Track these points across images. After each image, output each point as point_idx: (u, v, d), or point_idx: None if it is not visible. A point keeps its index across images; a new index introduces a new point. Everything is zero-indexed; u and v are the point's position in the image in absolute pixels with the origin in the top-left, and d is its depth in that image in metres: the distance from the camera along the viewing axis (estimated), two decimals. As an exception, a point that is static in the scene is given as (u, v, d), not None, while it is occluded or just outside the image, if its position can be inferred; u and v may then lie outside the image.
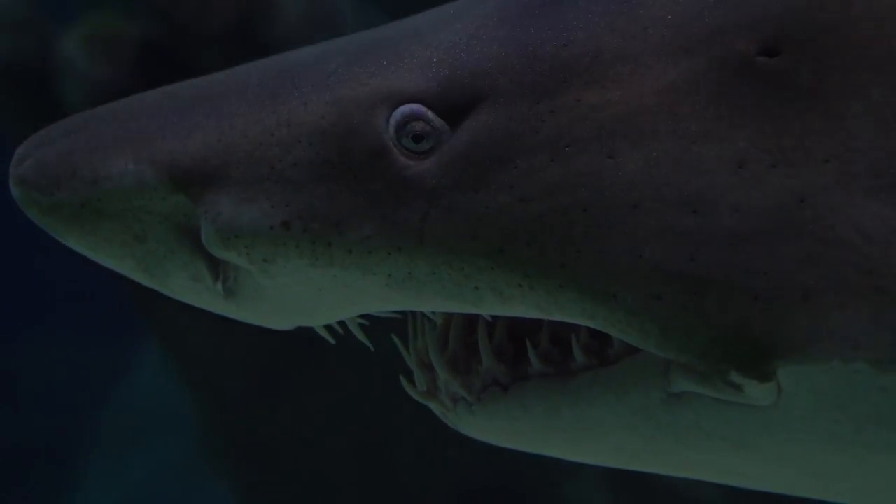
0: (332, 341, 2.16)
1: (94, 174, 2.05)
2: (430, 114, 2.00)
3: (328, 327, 2.15)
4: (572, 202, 1.94)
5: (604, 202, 1.94)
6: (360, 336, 2.17)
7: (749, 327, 1.91)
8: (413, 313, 2.16)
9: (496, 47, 2.03)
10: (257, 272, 2.02)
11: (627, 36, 2.01)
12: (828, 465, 2.00)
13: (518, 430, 2.08)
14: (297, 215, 1.99)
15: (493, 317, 2.08)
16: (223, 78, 2.11)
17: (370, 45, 2.09)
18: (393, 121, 2.00)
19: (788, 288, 1.90)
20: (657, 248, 1.92)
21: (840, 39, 1.96)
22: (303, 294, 2.04)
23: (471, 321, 2.12)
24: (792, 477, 2.04)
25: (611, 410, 2.01)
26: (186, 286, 2.09)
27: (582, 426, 2.03)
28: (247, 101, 2.05)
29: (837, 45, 1.96)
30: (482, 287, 1.97)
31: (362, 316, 2.14)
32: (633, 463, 2.08)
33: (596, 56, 2.00)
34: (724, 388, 1.94)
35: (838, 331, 1.89)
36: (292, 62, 2.10)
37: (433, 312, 2.12)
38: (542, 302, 1.96)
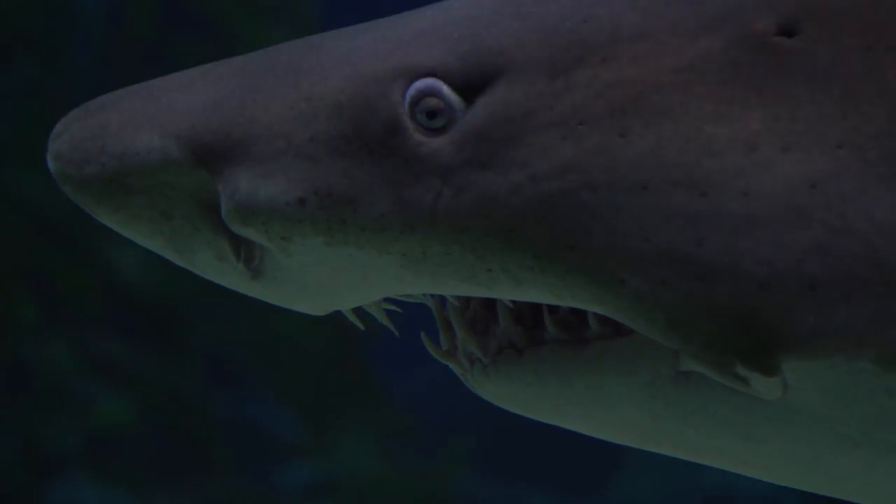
0: (362, 327, 2.15)
1: (122, 149, 2.04)
2: (445, 89, 1.97)
3: (360, 313, 2.13)
4: (582, 182, 1.91)
5: (613, 183, 1.91)
6: (385, 321, 2.15)
7: (754, 317, 1.88)
8: None
9: (516, 23, 2.00)
10: (277, 250, 2.00)
11: (648, 13, 1.98)
12: (837, 465, 1.97)
13: (530, 397, 2.06)
14: (313, 191, 1.97)
15: None
16: (258, 55, 2.10)
17: (397, 22, 2.07)
18: (408, 96, 1.98)
19: (795, 278, 1.87)
20: (665, 232, 1.89)
21: (859, 19, 1.93)
22: (322, 274, 2.02)
23: None
24: (804, 473, 2.02)
25: (621, 383, 1.99)
26: (213, 265, 2.07)
27: (593, 397, 2.01)
28: (272, 76, 2.03)
29: (856, 25, 1.93)
30: (495, 269, 1.94)
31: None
32: (645, 442, 2.06)
33: (614, 33, 1.97)
34: (731, 379, 1.92)
35: (844, 325, 1.86)
36: (323, 39, 2.08)
37: None
38: (553, 286, 1.93)
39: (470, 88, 1.97)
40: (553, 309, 2.03)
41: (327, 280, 2.03)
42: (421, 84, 1.98)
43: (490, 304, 2.07)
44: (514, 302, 2.04)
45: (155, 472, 8.02)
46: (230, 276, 2.07)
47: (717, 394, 1.94)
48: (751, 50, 1.94)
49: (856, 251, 1.86)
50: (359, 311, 2.14)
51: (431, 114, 1.97)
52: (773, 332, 1.87)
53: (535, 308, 2.05)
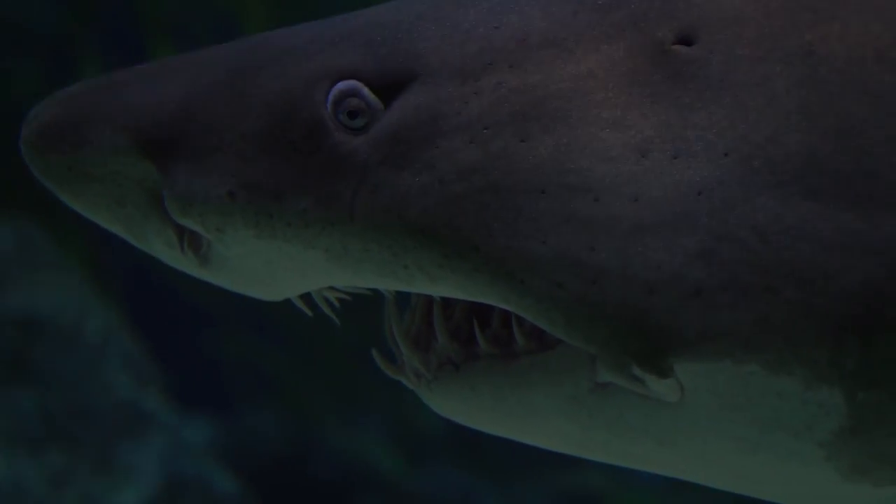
0: (310, 313, 2.20)
1: (79, 139, 2.11)
2: (365, 91, 2.03)
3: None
4: (485, 185, 1.96)
5: (514, 186, 1.95)
6: (328, 311, 2.19)
7: (644, 320, 1.92)
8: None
9: (433, 28, 2.05)
10: (214, 240, 2.07)
11: (556, 20, 2.03)
12: (745, 467, 2.01)
13: (469, 410, 2.11)
14: (242, 185, 2.04)
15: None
16: (210, 52, 2.16)
17: (330, 24, 2.13)
18: (331, 96, 2.04)
19: (681, 282, 1.90)
20: (560, 235, 1.93)
21: (753, 30, 1.97)
22: (259, 265, 2.09)
23: (448, 299, 2.13)
24: (724, 476, 2.06)
25: (548, 395, 2.03)
26: (166, 252, 2.15)
27: (524, 409, 2.05)
28: (214, 74, 2.10)
29: (750, 35, 1.97)
30: (410, 266, 2.00)
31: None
32: (580, 450, 2.09)
33: (523, 40, 2.02)
34: (631, 381, 1.96)
35: (730, 329, 1.90)
36: (265, 39, 2.15)
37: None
38: (463, 284, 1.98)
39: (389, 90, 2.03)
40: (485, 324, 2.09)
41: (262, 270, 2.09)
42: (343, 85, 2.04)
43: (430, 320, 2.12)
44: (450, 318, 2.11)
45: (517, 461, 8.09)
46: (182, 261, 2.14)
47: (629, 401, 1.98)
48: (650, 58, 1.99)
49: (739, 257, 1.90)
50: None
51: (352, 114, 2.03)
52: (662, 335, 1.92)
53: (472, 324, 2.09)
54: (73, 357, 7.13)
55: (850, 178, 1.91)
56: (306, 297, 2.18)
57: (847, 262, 1.89)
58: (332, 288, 2.14)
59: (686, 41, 1.99)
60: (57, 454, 6.93)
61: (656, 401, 1.97)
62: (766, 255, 1.90)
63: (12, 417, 6.92)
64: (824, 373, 1.91)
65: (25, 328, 7.06)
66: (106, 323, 7.28)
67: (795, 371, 1.91)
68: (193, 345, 7.84)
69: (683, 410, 1.97)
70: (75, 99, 2.16)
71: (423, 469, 7.99)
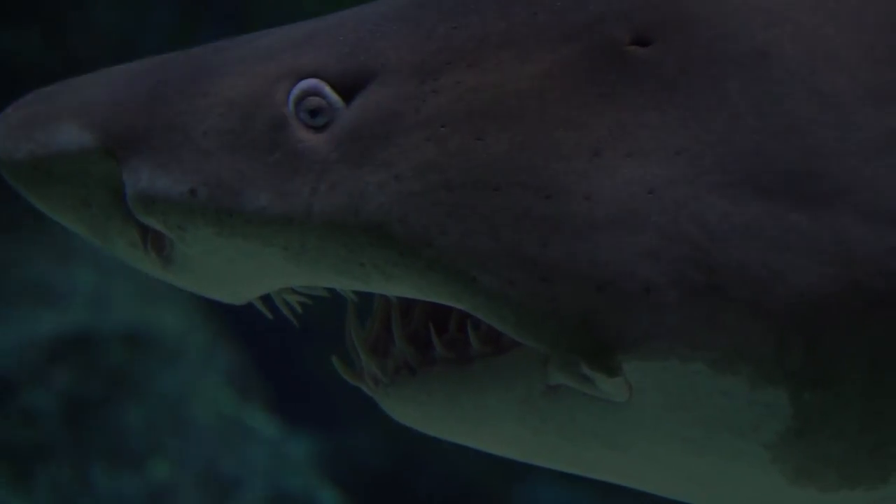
0: (270, 316, 2.22)
1: (46, 138, 2.13)
2: (326, 89, 2.04)
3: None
4: (440, 182, 1.98)
5: (468, 183, 1.96)
6: (287, 313, 2.21)
7: (593, 318, 1.92)
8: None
9: (395, 27, 2.07)
10: (176, 239, 2.09)
11: (516, 21, 2.04)
12: (692, 470, 2.00)
13: (424, 415, 2.11)
14: (203, 183, 2.05)
15: (410, 300, 2.09)
16: (178, 54, 2.19)
17: (298, 26, 2.16)
18: (293, 95, 2.06)
19: (630, 280, 1.91)
20: (513, 233, 1.94)
21: (710, 31, 1.97)
22: (220, 264, 2.09)
23: (407, 304, 2.14)
24: (673, 481, 2.04)
25: (501, 399, 2.03)
26: (129, 252, 2.16)
27: (478, 414, 2.05)
28: (179, 73, 2.13)
29: (707, 37, 1.97)
30: (366, 264, 2.01)
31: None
32: (533, 457, 2.10)
33: (482, 40, 2.03)
34: (581, 380, 1.96)
35: (677, 328, 1.90)
36: (232, 41, 2.18)
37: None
38: (416, 282, 1.99)
39: (349, 89, 2.05)
40: (442, 329, 2.09)
41: (223, 270, 2.10)
42: (304, 84, 2.06)
43: (389, 325, 2.13)
44: (408, 323, 2.12)
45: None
46: (144, 262, 2.16)
47: (580, 403, 1.98)
48: (606, 58, 1.99)
49: (688, 256, 1.90)
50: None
51: (314, 112, 2.04)
52: (610, 333, 1.92)
53: (429, 328, 2.10)
54: (176, 372, 7.18)
55: (799, 179, 1.91)
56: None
57: (794, 262, 1.89)
58: (293, 291, 2.16)
59: (642, 42, 2.00)
60: (160, 468, 6.97)
61: (605, 402, 1.97)
62: (714, 253, 1.90)
63: (116, 432, 6.97)
64: (770, 372, 1.91)
65: (129, 343, 7.12)
66: (209, 337, 7.33)
67: (741, 370, 1.91)
68: (296, 359, 7.84)
69: (632, 411, 1.96)
70: (42, 100, 2.18)
71: (525, 484, 7.94)
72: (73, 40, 7.59)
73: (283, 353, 7.68)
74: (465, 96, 2.01)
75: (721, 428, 1.94)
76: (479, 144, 1.98)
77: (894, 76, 1.94)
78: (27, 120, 2.16)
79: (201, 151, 2.06)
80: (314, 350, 8.16)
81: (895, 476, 1.96)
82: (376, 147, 2.01)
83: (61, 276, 7.12)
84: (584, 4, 2.03)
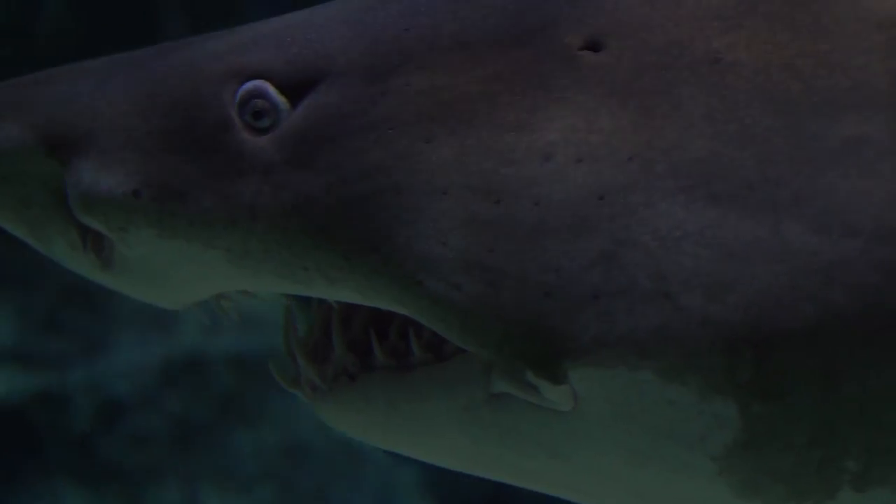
0: (208, 322, 2.19)
1: None
2: (270, 91, 2.02)
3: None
4: (387, 185, 1.95)
5: (416, 187, 1.94)
6: (224, 317, 2.18)
7: (540, 324, 1.89)
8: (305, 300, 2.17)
9: (344, 29, 2.04)
10: (117, 241, 2.07)
11: (466, 24, 2.01)
12: (637, 482, 1.97)
13: (363, 422, 2.09)
14: (146, 184, 2.03)
15: (352, 307, 2.08)
16: (128, 55, 2.17)
17: (247, 28, 2.13)
18: (238, 96, 2.03)
19: (579, 287, 1.88)
20: (460, 237, 1.92)
21: (663, 37, 1.95)
22: (161, 267, 2.08)
23: (347, 310, 2.12)
24: (617, 494, 2.01)
25: (442, 407, 2.00)
26: (68, 254, 2.14)
27: (418, 422, 2.03)
28: (125, 73, 2.10)
29: (659, 42, 1.94)
30: (310, 268, 1.98)
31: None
32: (474, 467, 2.05)
33: (433, 42, 2.01)
34: (525, 388, 1.93)
35: (625, 336, 1.87)
36: (180, 42, 2.15)
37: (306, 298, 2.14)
38: (361, 286, 1.97)
39: (295, 91, 2.02)
40: (383, 336, 2.07)
41: (167, 273, 2.08)
42: (249, 85, 2.03)
43: (329, 331, 2.10)
44: (348, 329, 2.08)
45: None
46: (83, 264, 2.13)
47: (523, 412, 1.95)
48: (558, 62, 1.96)
49: (638, 263, 1.87)
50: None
51: (258, 114, 2.02)
52: (557, 340, 1.89)
53: (369, 335, 2.07)
54: (286, 395, 7.15)
55: (753, 186, 1.87)
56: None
57: (746, 271, 1.86)
58: (226, 298, 2.14)
59: (594, 47, 1.97)
60: (271, 493, 6.97)
61: (550, 410, 1.93)
62: (665, 261, 1.87)
63: (227, 456, 6.98)
64: (719, 383, 1.87)
65: (240, 367, 7.12)
66: (320, 362, 7.27)
67: (690, 381, 1.87)
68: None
69: (577, 420, 1.93)
70: None
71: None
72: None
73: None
74: (414, 99, 1.98)
75: (668, 439, 1.91)
76: (427, 147, 1.96)
77: (848, 83, 1.90)
78: None
79: (145, 152, 2.05)
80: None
81: (843, 491, 1.92)
82: (323, 149, 1.99)
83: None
84: (536, 8, 2.01)
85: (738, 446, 1.89)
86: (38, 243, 2.17)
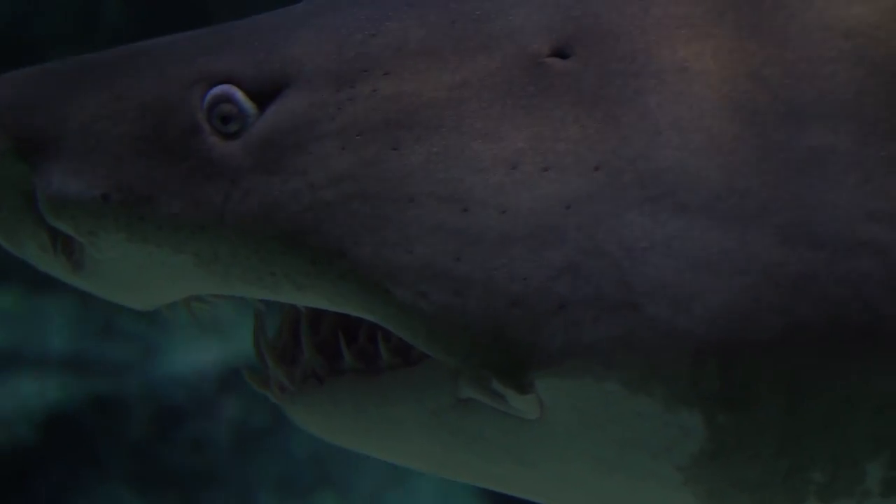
0: (181, 323, 2.24)
1: None
2: (238, 95, 2.01)
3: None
4: (355, 192, 1.94)
5: (383, 194, 1.93)
6: (193, 320, 2.18)
7: (506, 333, 1.88)
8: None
9: (311, 33, 2.03)
10: (87, 244, 2.07)
11: (434, 30, 2.00)
12: (604, 490, 1.96)
13: (331, 425, 2.09)
14: (116, 188, 2.03)
15: (320, 309, 2.06)
16: (96, 55, 2.16)
17: (216, 30, 2.12)
18: (206, 101, 2.02)
19: (545, 296, 1.87)
20: (427, 245, 1.91)
21: (631, 45, 1.93)
22: (130, 270, 2.07)
23: (316, 313, 2.12)
24: (586, 501, 1.99)
25: (409, 411, 2.00)
26: (39, 256, 2.14)
27: (386, 426, 2.02)
28: (96, 76, 2.09)
29: (624, 50, 1.92)
30: (278, 273, 1.98)
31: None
32: (441, 470, 2.05)
33: (400, 48, 1.99)
34: (491, 395, 1.92)
35: (591, 346, 1.86)
36: (150, 44, 2.14)
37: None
38: (328, 292, 1.96)
39: (263, 95, 2.01)
40: (351, 340, 2.06)
41: (137, 276, 2.07)
42: (217, 90, 2.02)
43: (298, 333, 2.10)
44: (316, 332, 2.08)
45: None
46: (55, 266, 2.13)
47: (490, 419, 1.94)
48: (525, 70, 1.95)
49: (604, 273, 1.86)
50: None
51: (226, 119, 2.01)
52: (523, 349, 1.88)
53: (338, 338, 2.07)
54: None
55: (719, 196, 1.86)
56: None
57: (712, 282, 1.84)
58: (200, 299, 2.14)
59: (561, 54, 1.95)
60: (328, 499, 6.96)
61: (517, 418, 1.93)
62: (631, 271, 1.85)
63: (283, 462, 6.97)
64: (684, 394, 1.86)
65: (296, 374, 7.10)
66: (377, 367, 7.26)
67: (655, 391, 1.86)
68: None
69: (543, 428, 1.92)
70: None
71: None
72: None
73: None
74: (382, 105, 1.97)
75: (634, 448, 1.90)
76: (394, 154, 1.95)
77: (814, 93, 1.88)
78: None
79: (114, 156, 2.04)
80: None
81: (809, 502, 1.91)
82: (290, 155, 1.98)
83: (229, 305, 7.14)
84: (503, 14, 1.99)
85: (705, 456, 1.88)
86: (10, 245, 2.16)
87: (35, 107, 2.09)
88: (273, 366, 2.12)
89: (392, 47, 2.00)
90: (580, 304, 1.86)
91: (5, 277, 7.09)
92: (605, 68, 1.93)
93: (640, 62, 1.92)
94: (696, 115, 1.89)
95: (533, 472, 1.97)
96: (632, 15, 1.95)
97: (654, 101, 1.90)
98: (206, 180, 2.01)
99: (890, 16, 1.90)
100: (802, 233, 1.84)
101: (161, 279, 2.07)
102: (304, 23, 2.06)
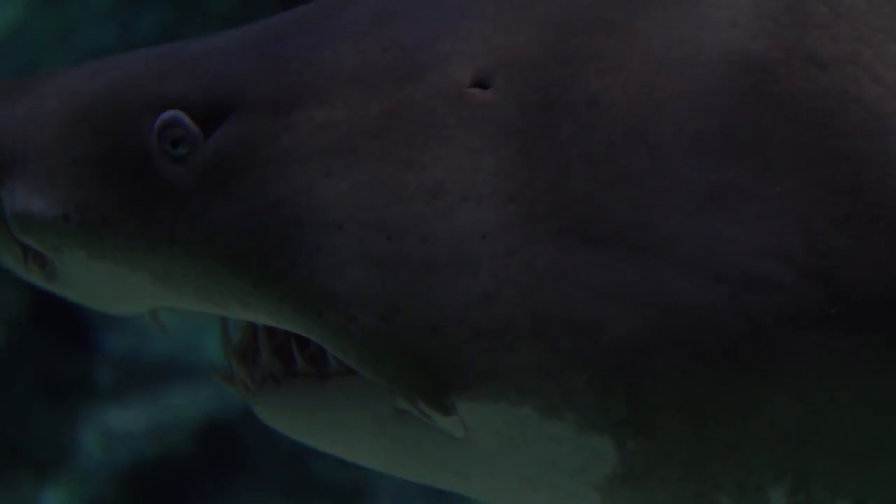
0: (159, 330, 2.26)
1: None
2: (186, 120, 2.06)
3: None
4: (290, 218, 1.98)
5: (315, 221, 1.98)
6: (159, 328, 2.25)
7: (427, 358, 1.93)
8: None
9: (254, 59, 2.07)
10: (54, 259, 2.15)
11: (367, 57, 2.03)
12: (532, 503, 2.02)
13: (289, 424, 2.16)
14: (75, 208, 2.10)
15: None
16: (59, 74, 2.22)
17: (170, 51, 2.17)
18: (156, 125, 2.08)
19: (462, 324, 1.91)
20: (355, 271, 1.95)
21: (547, 77, 1.95)
22: (96, 282, 2.15)
23: None
24: None
25: (354, 417, 2.06)
26: (16, 266, 2.23)
27: (335, 429, 2.09)
28: (57, 97, 2.15)
29: (543, 82, 1.95)
30: (225, 293, 2.05)
31: None
32: (394, 472, 2.11)
33: (333, 76, 2.03)
34: (422, 413, 1.97)
35: (505, 373, 1.91)
36: (109, 63, 2.20)
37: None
38: (271, 312, 2.03)
39: (209, 120, 2.07)
40: (304, 344, 2.11)
41: (104, 288, 2.16)
42: (166, 115, 2.07)
43: (258, 337, 2.17)
44: (272, 335, 2.14)
45: None
46: (31, 275, 2.22)
47: (426, 431, 2.00)
48: (447, 100, 1.97)
49: (517, 302, 1.90)
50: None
51: (175, 143, 2.06)
52: (443, 374, 1.93)
53: (302, 340, 2.12)
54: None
55: (626, 229, 1.89)
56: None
57: (617, 312, 1.88)
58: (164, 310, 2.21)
59: (482, 84, 1.98)
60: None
61: (448, 434, 1.99)
62: (542, 301, 1.89)
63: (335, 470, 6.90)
64: (594, 420, 1.90)
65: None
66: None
67: (567, 417, 1.91)
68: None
69: (469, 446, 1.98)
70: None
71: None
72: None
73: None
74: (316, 133, 2.01)
75: (552, 468, 1.95)
76: (326, 182, 1.99)
77: (716, 127, 1.90)
78: None
79: (73, 178, 2.10)
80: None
81: None
82: (233, 180, 2.04)
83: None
84: (431, 43, 2.02)
85: (618, 478, 1.93)
86: None
87: (6, 123, 2.17)
88: (236, 366, 2.18)
89: (327, 75, 2.04)
90: (494, 332, 1.90)
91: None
92: (523, 99, 1.94)
93: (553, 94, 1.94)
94: (604, 149, 1.90)
95: (468, 483, 2.03)
96: (550, 46, 1.96)
97: (567, 133, 1.91)
98: (157, 202, 2.06)
99: (791, 52, 1.90)
100: (703, 266, 1.87)
101: (126, 292, 2.15)
102: (250, 48, 2.10)
